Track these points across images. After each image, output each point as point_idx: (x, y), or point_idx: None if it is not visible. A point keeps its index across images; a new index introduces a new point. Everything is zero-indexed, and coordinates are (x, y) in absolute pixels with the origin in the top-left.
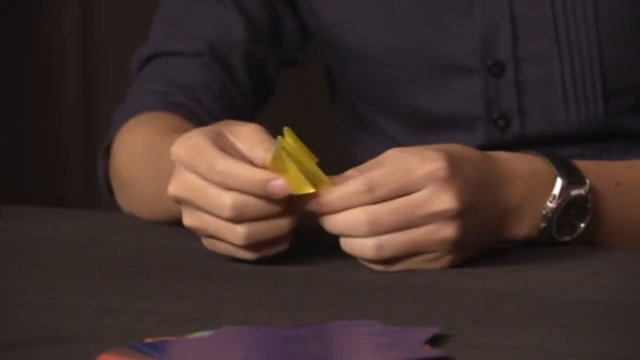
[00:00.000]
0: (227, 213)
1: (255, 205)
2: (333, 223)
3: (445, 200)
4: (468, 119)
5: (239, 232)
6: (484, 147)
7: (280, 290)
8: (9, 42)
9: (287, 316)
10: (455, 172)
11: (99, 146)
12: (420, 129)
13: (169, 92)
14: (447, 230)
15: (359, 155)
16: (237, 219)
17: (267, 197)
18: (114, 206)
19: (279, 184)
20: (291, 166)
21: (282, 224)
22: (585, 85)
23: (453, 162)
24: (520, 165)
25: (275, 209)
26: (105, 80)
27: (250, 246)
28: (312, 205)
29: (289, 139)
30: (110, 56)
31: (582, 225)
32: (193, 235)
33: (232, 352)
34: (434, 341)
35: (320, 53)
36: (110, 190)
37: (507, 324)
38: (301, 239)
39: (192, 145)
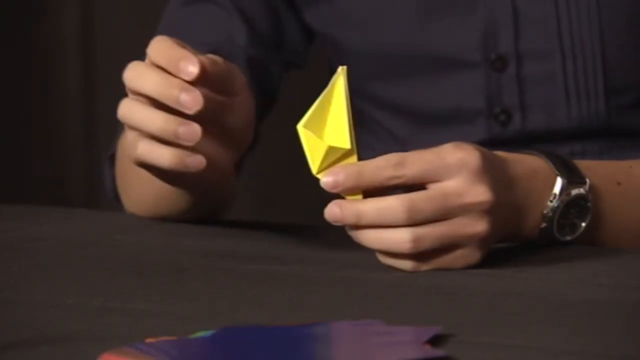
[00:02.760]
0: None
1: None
2: (366, 210)
3: (480, 192)
4: (469, 114)
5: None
6: (485, 142)
7: (281, 290)
8: (9, 42)
9: (288, 316)
10: (488, 166)
11: (99, 146)
12: (421, 124)
13: None
14: (481, 224)
15: (360, 153)
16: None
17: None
18: (114, 206)
19: (191, 68)
20: (340, 111)
21: (169, 121)
22: (587, 81)
23: (485, 156)
24: (520, 165)
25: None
26: (105, 81)
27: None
28: (337, 175)
29: (343, 81)
30: (110, 56)
31: (583, 224)
32: (193, 235)
33: (233, 352)
34: (434, 341)
35: (322, 51)
36: (117, 198)
37: (508, 323)
38: (301, 238)
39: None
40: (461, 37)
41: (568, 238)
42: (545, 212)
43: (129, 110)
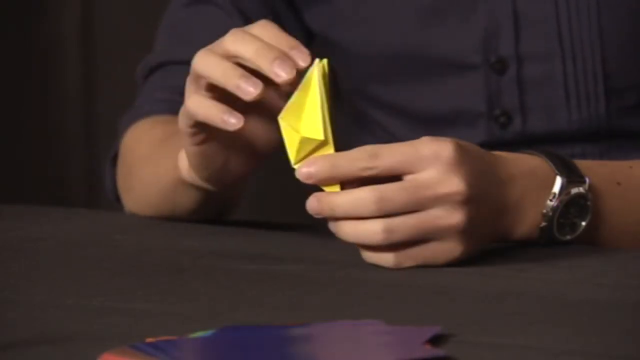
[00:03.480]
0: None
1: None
2: (337, 202)
3: (454, 183)
4: (470, 116)
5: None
6: (485, 144)
7: (281, 290)
8: (9, 42)
9: (288, 316)
10: (463, 158)
11: (99, 146)
12: (422, 125)
13: (176, 100)
14: (456, 216)
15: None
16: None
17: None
18: (114, 206)
19: (301, 61)
20: (314, 103)
21: (235, 70)
22: (587, 83)
23: (461, 148)
24: (519, 164)
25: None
26: (105, 81)
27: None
28: (311, 166)
29: (317, 73)
30: (110, 56)
31: (583, 223)
32: (193, 235)
33: (233, 352)
34: (435, 341)
35: (322, 51)
36: (117, 199)
37: (508, 323)
38: (301, 238)
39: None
40: (461, 39)
41: (568, 238)
42: (544, 211)
43: (203, 57)
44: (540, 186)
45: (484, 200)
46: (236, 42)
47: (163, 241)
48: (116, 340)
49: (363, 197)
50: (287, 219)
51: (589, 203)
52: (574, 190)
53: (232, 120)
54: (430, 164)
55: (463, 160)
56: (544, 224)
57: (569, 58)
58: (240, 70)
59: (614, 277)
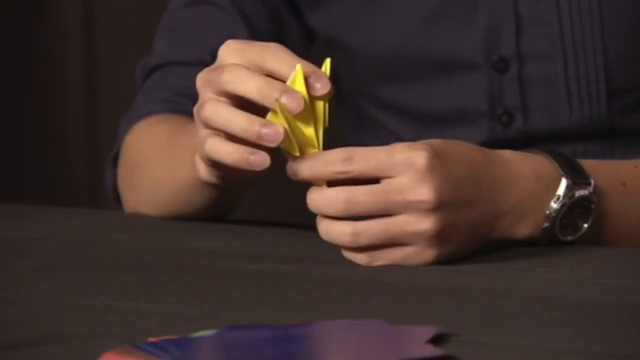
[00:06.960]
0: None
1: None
2: (312, 199)
3: (423, 191)
4: (472, 115)
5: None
6: (487, 143)
7: (282, 289)
8: (10, 41)
9: (289, 315)
10: (437, 166)
11: (100, 145)
12: (424, 125)
13: (177, 101)
14: (425, 223)
15: None
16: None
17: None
18: (115, 206)
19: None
20: (286, 120)
21: (252, 121)
22: (588, 83)
23: (437, 156)
24: (524, 165)
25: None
26: (106, 80)
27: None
28: (292, 167)
29: (298, 80)
30: (111, 56)
31: (585, 225)
32: (193, 235)
33: (234, 352)
34: (436, 340)
35: (325, 52)
36: (117, 199)
37: (510, 323)
38: (303, 238)
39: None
40: (463, 40)
41: (570, 238)
42: (548, 212)
43: (215, 111)
44: (544, 188)
45: (464, 206)
46: (234, 82)
47: (163, 241)
48: (117, 340)
49: (332, 196)
50: (288, 218)
51: (592, 206)
52: (579, 193)
53: (257, 161)
54: (403, 171)
55: (437, 169)
56: (546, 224)
57: (570, 58)
58: (257, 119)
59: (615, 277)
